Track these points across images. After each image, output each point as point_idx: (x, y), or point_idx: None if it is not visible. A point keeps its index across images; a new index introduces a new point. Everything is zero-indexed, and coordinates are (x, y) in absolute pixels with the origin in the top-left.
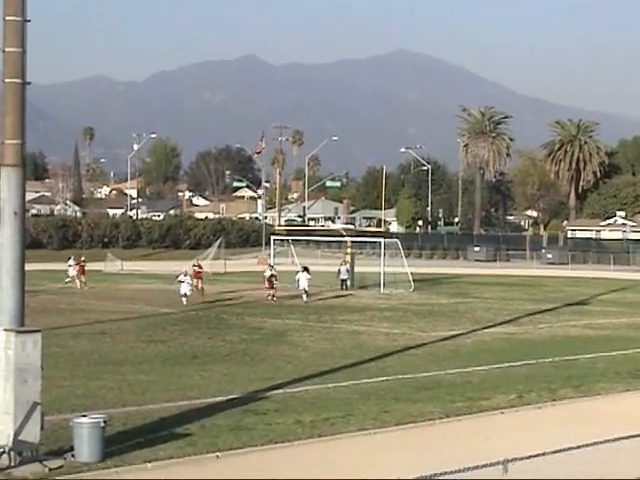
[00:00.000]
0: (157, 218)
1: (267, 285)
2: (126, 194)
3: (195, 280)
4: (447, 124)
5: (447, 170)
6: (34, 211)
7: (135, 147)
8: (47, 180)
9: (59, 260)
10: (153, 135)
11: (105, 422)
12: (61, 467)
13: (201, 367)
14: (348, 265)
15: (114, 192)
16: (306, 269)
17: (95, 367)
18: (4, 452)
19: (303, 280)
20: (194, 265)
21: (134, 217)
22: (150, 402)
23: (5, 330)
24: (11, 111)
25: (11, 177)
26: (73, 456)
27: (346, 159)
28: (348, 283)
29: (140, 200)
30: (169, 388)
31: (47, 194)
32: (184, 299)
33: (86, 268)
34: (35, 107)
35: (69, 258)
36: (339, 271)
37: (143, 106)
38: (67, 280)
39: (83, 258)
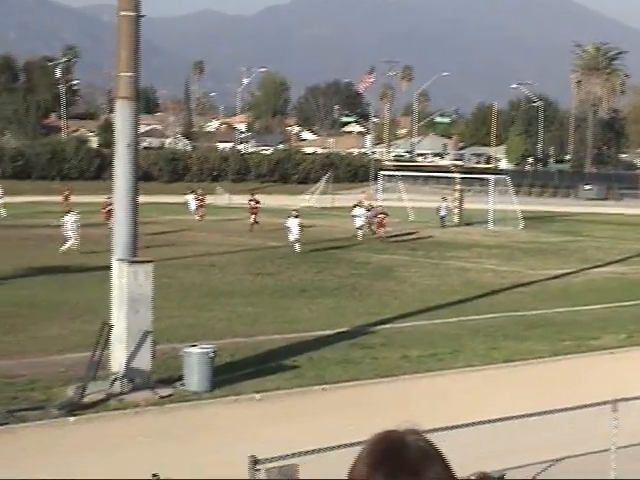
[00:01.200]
0: (266, 152)
1: (379, 222)
2: (235, 128)
3: (252, 216)
4: (559, 60)
5: (559, 107)
6: (145, 144)
7: (245, 81)
8: (158, 113)
9: (169, 193)
10: (262, 69)
11: (214, 352)
12: (171, 395)
13: (309, 300)
14: (448, 202)
15: (223, 126)
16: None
17: (205, 298)
18: (117, 379)
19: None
20: (250, 200)
21: (243, 151)
22: (259, 334)
23: (118, 260)
24: (125, 44)
25: (125, 109)
26: (183, 385)
27: (455, 95)
28: (456, 219)
29: (249, 134)
30: (277, 320)
31: (158, 127)
32: (359, 232)
33: (202, 201)
34: (147, 41)
35: (191, 191)
36: (438, 208)
37: (253, 40)
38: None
39: (201, 190)
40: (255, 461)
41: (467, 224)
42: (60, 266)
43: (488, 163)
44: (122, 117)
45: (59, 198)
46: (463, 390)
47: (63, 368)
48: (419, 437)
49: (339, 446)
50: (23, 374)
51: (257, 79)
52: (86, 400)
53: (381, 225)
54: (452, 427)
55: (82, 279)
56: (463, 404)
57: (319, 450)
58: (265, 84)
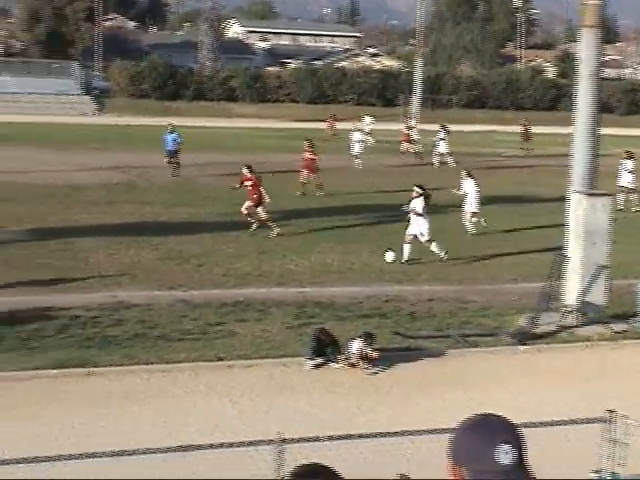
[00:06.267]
0: None
1: None
2: None
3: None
4: None
5: None
6: (603, 75)
7: None
8: (617, 44)
9: (624, 126)
10: None
11: None
12: (625, 331)
13: None
14: None
15: None
16: None
17: None
18: (570, 311)
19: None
20: (407, 127)
21: None
22: None
23: (576, 192)
24: None
25: (589, 38)
26: (638, 322)
27: None
28: None
29: None
30: None
31: (616, 58)
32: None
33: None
34: None
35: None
36: None
37: None
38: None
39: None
40: None
41: None
42: (513, 196)
43: None
44: (586, 46)
45: (517, 128)
46: None
47: (516, 297)
48: None
49: None
50: (475, 300)
51: None
52: (537, 330)
53: None
54: None
55: (535, 209)
56: None
57: None
58: None
